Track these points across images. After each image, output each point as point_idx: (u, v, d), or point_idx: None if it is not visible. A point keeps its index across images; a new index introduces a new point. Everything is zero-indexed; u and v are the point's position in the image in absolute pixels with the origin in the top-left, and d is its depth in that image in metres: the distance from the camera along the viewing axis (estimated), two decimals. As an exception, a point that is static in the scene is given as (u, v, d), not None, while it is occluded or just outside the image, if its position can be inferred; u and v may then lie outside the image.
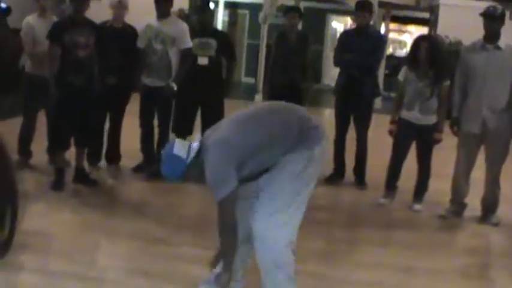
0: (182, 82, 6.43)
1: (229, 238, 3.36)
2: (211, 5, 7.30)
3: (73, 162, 6.13)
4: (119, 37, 6.41)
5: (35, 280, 3.93)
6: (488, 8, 5.71)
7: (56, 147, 6.05)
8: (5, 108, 8.58)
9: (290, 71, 6.90)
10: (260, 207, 3.32)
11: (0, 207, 3.91)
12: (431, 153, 6.06)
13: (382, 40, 7.78)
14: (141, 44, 6.46)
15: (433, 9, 14.50)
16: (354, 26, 8.01)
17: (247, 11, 18.27)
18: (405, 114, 6.00)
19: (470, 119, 5.75)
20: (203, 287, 3.65)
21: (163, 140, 6.51)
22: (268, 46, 12.64)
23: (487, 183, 5.84)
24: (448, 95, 5.93)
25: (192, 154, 3.33)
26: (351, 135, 6.87)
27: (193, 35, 6.54)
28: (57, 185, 5.88)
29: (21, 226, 4.11)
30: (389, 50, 17.96)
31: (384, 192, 6.22)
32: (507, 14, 5.87)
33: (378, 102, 10.50)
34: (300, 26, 7.46)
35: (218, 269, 3.49)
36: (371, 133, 6.95)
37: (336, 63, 7.00)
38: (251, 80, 16.50)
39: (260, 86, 13.53)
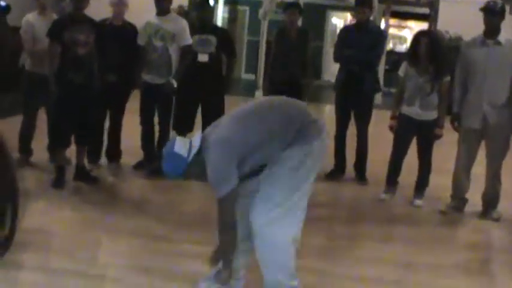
0: (182, 79, 6.43)
1: (229, 236, 3.36)
2: (211, 2, 7.29)
3: (73, 160, 6.13)
4: (118, 35, 6.40)
5: (36, 278, 3.93)
6: (488, 2, 5.70)
7: (56, 145, 6.05)
8: (5, 107, 8.58)
9: (290, 67, 6.89)
10: (259, 203, 3.32)
11: (0, 205, 3.91)
12: (432, 148, 6.06)
13: (382, 36, 7.77)
14: (141, 41, 6.45)
15: (433, 5, 14.48)
16: (353, 22, 8.01)
17: (247, 8, 18.26)
18: (406, 109, 6.00)
19: (470, 115, 5.75)
20: (203, 283, 3.65)
21: (164, 137, 6.51)
22: (268, 42, 12.63)
23: (488, 178, 5.84)
24: (449, 90, 5.93)
25: (193, 152, 3.33)
26: (352, 131, 6.87)
27: (193, 31, 6.53)
28: (58, 182, 5.88)
29: (22, 224, 4.11)
30: (390, 45, 17.95)
31: (384, 187, 6.23)
32: (507, 8, 5.86)
33: (378, 98, 10.51)
34: (299, 22, 7.46)
35: (218, 266, 3.49)
36: (371, 129, 6.95)
37: (336, 59, 6.99)
38: (251, 77, 16.50)
39: (260, 82, 13.52)
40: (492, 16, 5.64)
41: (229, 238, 3.37)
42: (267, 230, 3.29)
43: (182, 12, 11.07)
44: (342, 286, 4.15)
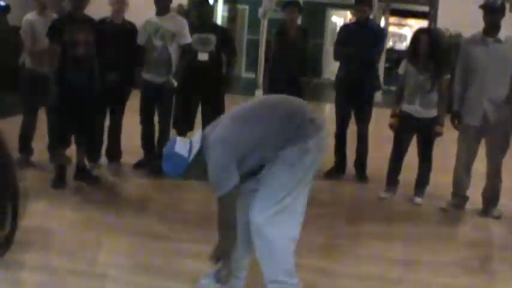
0: (182, 78, 6.43)
1: (229, 234, 3.37)
2: (211, 1, 7.29)
3: (74, 160, 6.13)
4: (118, 34, 6.40)
5: (37, 277, 3.93)
6: (488, 0, 5.70)
7: (56, 145, 6.05)
8: (6, 106, 8.58)
9: (290, 66, 6.89)
10: (258, 202, 3.31)
11: (1, 204, 3.91)
12: (432, 146, 6.07)
13: (382, 34, 7.77)
14: (141, 40, 6.45)
15: (433, 2, 14.48)
16: (353, 20, 8.01)
17: (246, 6, 18.26)
18: (406, 107, 6.00)
19: (470, 112, 5.75)
20: (203, 282, 3.66)
21: (164, 136, 6.51)
22: (268, 41, 12.63)
23: (488, 176, 5.84)
24: (449, 88, 5.92)
25: (194, 152, 3.33)
26: (352, 129, 6.87)
27: (193, 30, 6.53)
28: (58, 182, 5.88)
29: (22, 223, 4.11)
30: (389, 43, 17.97)
31: (385, 186, 6.23)
32: (507, 6, 5.86)
33: (378, 96, 10.51)
34: (299, 21, 7.45)
35: (218, 265, 3.49)
36: (372, 127, 6.95)
37: (336, 57, 6.99)
38: (251, 75, 16.50)
39: (260, 81, 13.52)
40: (492, 13, 5.63)
41: (229, 237, 3.37)
42: (266, 228, 3.29)
43: (182, 11, 11.07)
44: (343, 284, 4.15)
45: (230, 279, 3.51)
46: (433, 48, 5.80)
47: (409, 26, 18.82)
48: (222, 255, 3.42)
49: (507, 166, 5.90)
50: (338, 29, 10.14)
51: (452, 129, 5.94)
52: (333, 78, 7.23)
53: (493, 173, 5.81)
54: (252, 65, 16.26)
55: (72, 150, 6.09)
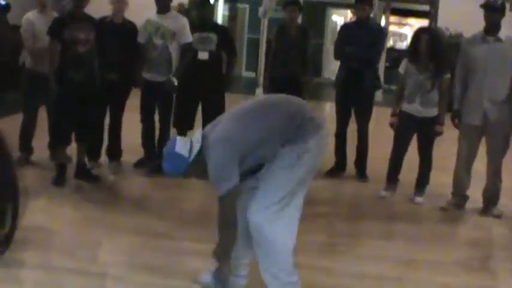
0: (182, 77, 6.43)
1: (230, 233, 3.37)
2: (211, 0, 7.28)
3: (74, 158, 6.13)
4: (118, 32, 6.40)
5: (37, 276, 3.93)
6: (488, -1, 5.71)
7: (56, 143, 6.05)
8: (6, 105, 8.59)
9: (290, 65, 6.89)
10: (257, 200, 3.32)
11: (1, 203, 3.91)
12: (433, 145, 6.06)
13: (383, 33, 7.77)
14: (141, 39, 6.44)
15: (434, 2, 14.47)
16: (354, 19, 8.00)
17: (247, 5, 18.25)
18: (406, 106, 6.00)
19: (471, 111, 5.74)
20: (203, 279, 3.66)
21: (164, 135, 6.51)
22: (268, 40, 12.63)
23: (489, 175, 5.84)
24: (449, 87, 5.92)
25: (194, 152, 3.34)
26: (352, 128, 6.87)
27: (193, 29, 6.53)
28: (59, 180, 5.88)
29: (23, 222, 4.12)
30: (390, 42, 17.96)
31: (385, 185, 6.22)
32: (507, 5, 5.86)
33: (378, 95, 10.50)
34: (299, 20, 7.45)
35: (218, 263, 3.50)
36: (372, 126, 6.95)
37: (337, 57, 6.99)
38: (251, 74, 16.50)
39: (261, 80, 13.51)
40: (492, 13, 5.63)
41: (230, 235, 3.38)
42: (266, 228, 3.29)
43: (182, 10, 11.07)
44: (343, 283, 4.14)
45: (229, 277, 3.51)
46: (433, 48, 5.80)
47: (410, 25, 18.80)
48: (222, 253, 3.43)
49: (507, 166, 5.90)
50: (338, 28, 10.14)
51: (452, 129, 5.93)
52: (333, 77, 7.22)
53: (493, 173, 5.81)
54: (252, 64, 16.25)
55: (72, 149, 6.10)
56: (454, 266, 4.59)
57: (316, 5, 17.35)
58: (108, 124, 6.64)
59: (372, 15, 7.56)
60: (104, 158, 6.68)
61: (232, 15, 18.43)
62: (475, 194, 5.91)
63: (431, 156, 6.08)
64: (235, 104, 3.61)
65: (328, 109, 11.53)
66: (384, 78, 12.79)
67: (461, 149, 5.86)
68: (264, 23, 13.97)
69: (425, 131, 5.98)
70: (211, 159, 3.29)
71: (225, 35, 6.93)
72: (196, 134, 3.45)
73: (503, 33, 5.66)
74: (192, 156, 3.33)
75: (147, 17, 6.51)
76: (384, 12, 15.60)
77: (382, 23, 14.99)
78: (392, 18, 17.42)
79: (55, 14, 6.59)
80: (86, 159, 6.23)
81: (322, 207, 5.56)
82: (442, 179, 6.17)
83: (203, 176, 3.37)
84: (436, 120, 5.93)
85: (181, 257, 4.34)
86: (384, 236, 5.16)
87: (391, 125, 6.10)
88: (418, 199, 6.09)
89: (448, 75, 5.93)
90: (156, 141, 6.61)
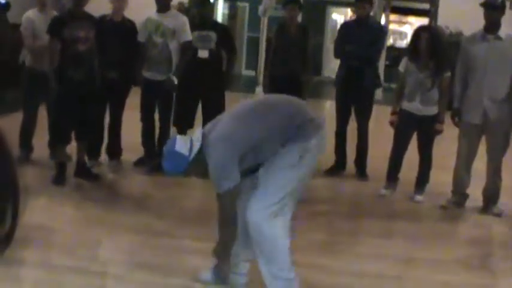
0: (182, 75, 6.43)
1: (229, 231, 3.38)
2: (211, -2, 7.28)
3: (74, 157, 6.13)
4: (118, 31, 6.40)
5: (37, 274, 3.93)
6: (488, -2, 5.70)
7: (56, 142, 6.05)
8: (6, 103, 8.58)
9: (290, 63, 6.88)
10: (256, 199, 3.32)
11: (1, 201, 3.91)
12: (433, 144, 6.06)
13: (383, 31, 7.76)
14: (141, 38, 6.44)
15: (434, 0, 14.47)
16: (354, 18, 8.00)
17: (246, 4, 18.25)
18: (406, 105, 6.00)
19: (471, 110, 5.75)
20: (203, 277, 3.67)
21: (164, 133, 6.52)
22: (268, 39, 12.62)
23: (489, 173, 5.84)
24: (449, 85, 5.92)
25: (194, 151, 3.34)
26: (352, 126, 6.87)
27: (193, 28, 6.53)
28: (59, 179, 5.88)
29: (23, 220, 4.09)
30: (390, 41, 17.94)
31: (385, 183, 6.22)
32: (507, 4, 5.85)
33: (378, 94, 10.50)
34: (299, 18, 7.44)
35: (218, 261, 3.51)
36: (372, 124, 6.95)
37: (337, 55, 6.98)
38: (251, 73, 16.49)
39: (260, 78, 13.48)
40: (492, 11, 5.63)
41: (230, 234, 3.38)
42: (266, 228, 3.30)
43: (182, 9, 11.08)
44: (342, 282, 4.14)
45: (229, 275, 3.52)
46: (433, 46, 5.80)
47: (410, 23, 18.79)
48: (222, 251, 3.43)
49: (507, 164, 5.90)
50: (338, 26, 10.13)
51: (452, 127, 5.94)
52: (333, 76, 7.22)
53: (493, 171, 5.81)
54: (252, 63, 16.25)
55: (72, 147, 6.10)
56: (454, 264, 4.59)
57: (316, 3, 17.34)
58: (108, 123, 6.64)
59: (372, 13, 7.55)
60: (104, 156, 6.68)
61: (232, 14, 18.42)
62: (475, 192, 5.91)
63: (431, 155, 6.08)
64: (235, 103, 3.61)
65: (328, 107, 11.53)
66: (384, 76, 12.79)
67: (461, 147, 5.86)
68: (264, 22, 13.95)
69: (426, 130, 5.98)
70: (211, 157, 3.30)
71: (225, 33, 6.93)
72: (197, 132, 3.45)
73: (503, 32, 5.66)
74: (192, 155, 3.33)
75: (147, 15, 6.52)
76: (384, 10, 15.59)
77: (382, 21, 14.97)
78: (393, 17, 17.42)
79: (55, 13, 6.59)
80: (86, 158, 6.23)
81: (322, 206, 5.56)
82: (442, 177, 6.17)
83: (203, 174, 3.38)
84: (436, 119, 5.92)
85: (182, 255, 4.34)
86: (383, 234, 5.16)
87: (391, 123, 6.10)
88: (418, 197, 6.09)
89: (448, 74, 5.93)
90: (156, 139, 6.61)
